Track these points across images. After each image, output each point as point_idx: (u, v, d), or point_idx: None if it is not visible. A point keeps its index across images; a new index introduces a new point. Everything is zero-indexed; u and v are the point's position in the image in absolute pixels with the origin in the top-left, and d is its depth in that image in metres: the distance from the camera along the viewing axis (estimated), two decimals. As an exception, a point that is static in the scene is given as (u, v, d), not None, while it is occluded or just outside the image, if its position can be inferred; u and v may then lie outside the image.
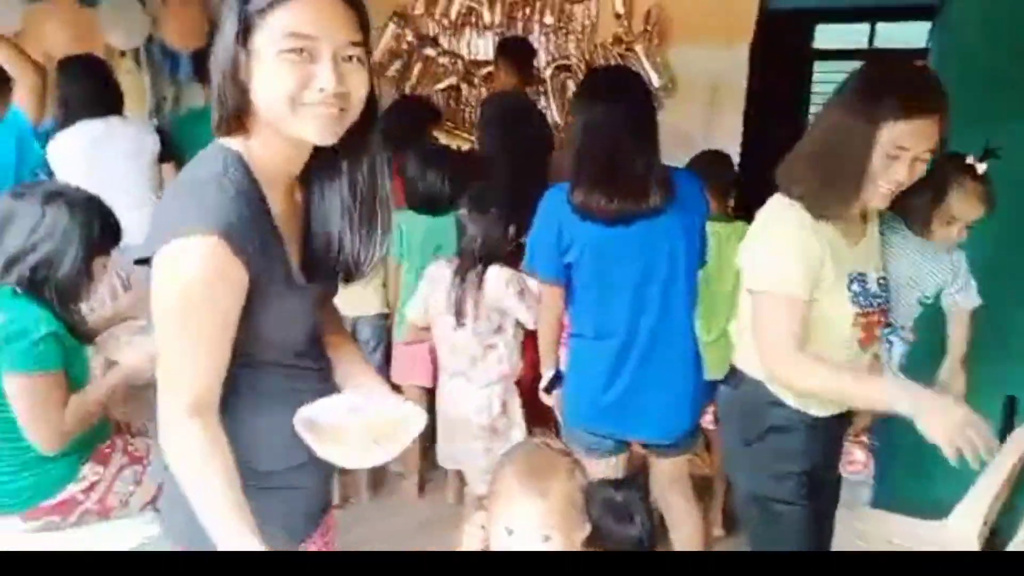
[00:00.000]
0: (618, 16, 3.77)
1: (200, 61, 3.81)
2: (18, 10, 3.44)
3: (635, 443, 2.13)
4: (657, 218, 1.88)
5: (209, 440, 1.05)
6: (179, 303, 1.03)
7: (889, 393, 1.48)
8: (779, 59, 4.08)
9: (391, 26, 4.37)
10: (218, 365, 1.07)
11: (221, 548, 1.02)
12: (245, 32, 1.04)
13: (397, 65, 4.43)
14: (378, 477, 3.01)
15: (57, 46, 3.60)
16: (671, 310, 1.96)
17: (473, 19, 4.26)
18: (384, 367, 2.85)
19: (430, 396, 2.70)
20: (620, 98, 1.91)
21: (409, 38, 4.38)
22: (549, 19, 3.99)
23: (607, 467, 2.03)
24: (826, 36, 7.58)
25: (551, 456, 1.36)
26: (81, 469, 1.85)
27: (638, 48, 3.71)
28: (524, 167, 3.25)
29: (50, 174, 2.96)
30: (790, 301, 1.55)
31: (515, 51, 3.65)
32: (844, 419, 1.77)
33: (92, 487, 1.86)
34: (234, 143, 1.11)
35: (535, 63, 3.81)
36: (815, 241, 1.55)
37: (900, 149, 1.48)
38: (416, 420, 1.21)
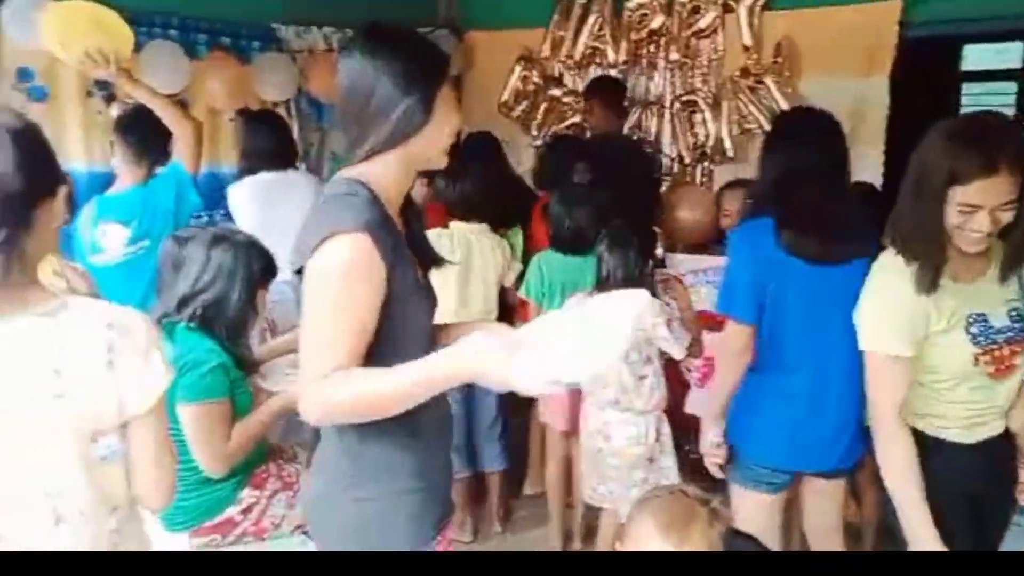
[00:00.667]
0: (746, 48, 3.72)
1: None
2: (186, 72, 3.82)
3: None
4: (861, 258, 1.86)
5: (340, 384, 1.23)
6: (332, 288, 1.22)
7: None
8: (923, 84, 3.90)
9: (517, 68, 4.52)
10: (357, 348, 1.24)
11: None
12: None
13: (524, 105, 4.56)
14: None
15: (218, 100, 3.98)
16: (854, 344, 1.88)
17: (597, 59, 4.33)
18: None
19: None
20: (826, 138, 1.99)
21: (535, 79, 4.51)
22: (675, 55, 3.99)
23: (774, 501, 2.03)
24: (975, 57, 7.14)
25: (690, 505, 1.35)
26: (240, 492, 2.00)
27: (768, 80, 3.65)
28: (637, 202, 3.27)
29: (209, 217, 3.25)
30: (892, 360, 1.65)
31: (606, 90, 3.76)
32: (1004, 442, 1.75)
33: (249, 509, 2.00)
34: (352, 172, 1.34)
35: (625, 99, 3.92)
36: (916, 296, 1.60)
37: (972, 207, 1.52)
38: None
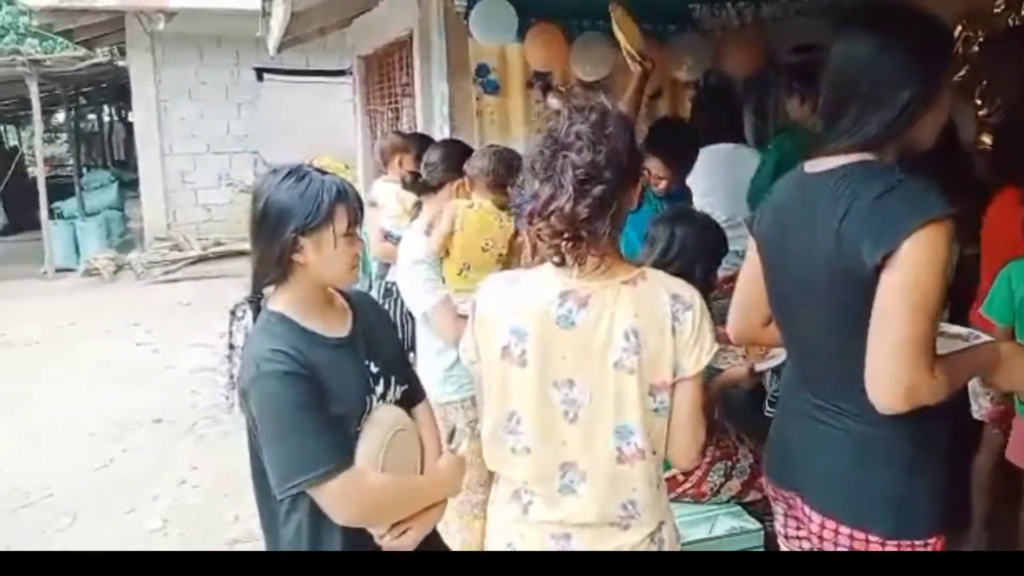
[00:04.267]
0: None
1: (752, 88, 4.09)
2: (610, 59, 4.09)
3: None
4: None
5: (945, 366, 1.27)
6: (935, 280, 1.22)
7: None
8: None
9: (958, 29, 3.97)
10: None
11: None
12: None
13: (963, 71, 4.00)
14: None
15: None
16: None
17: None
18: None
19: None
20: None
21: (980, 38, 3.91)
22: None
23: None
24: None
25: None
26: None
27: None
28: None
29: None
30: None
31: None
32: None
33: (691, 472, 2.11)
34: (864, 156, 1.32)
35: None
36: None
37: None
38: None
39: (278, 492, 1.40)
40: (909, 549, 1.34)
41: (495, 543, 1.51)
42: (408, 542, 1.50)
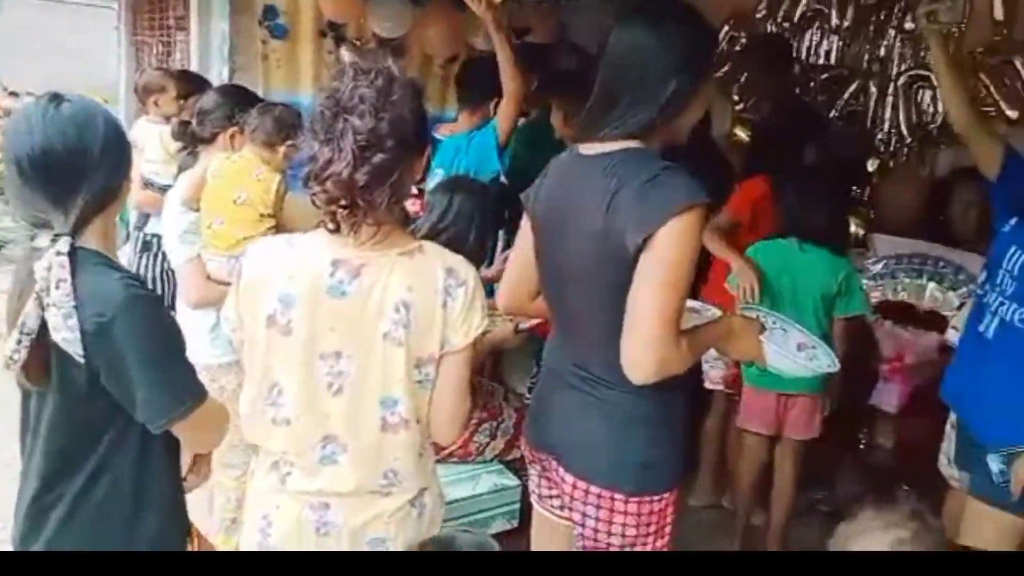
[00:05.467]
0: (997, 23, 3.39)
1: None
2: (408, 19, 4.01)
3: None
4: None
5: (688, 340, 1.39)
6: (689, 257, 1.34)
7: None
8: None
9: (725, 27, 4.36)
10: None
11: None
12: None
13: (727, 67, 4.41)
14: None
15: (434, 47, 4.15)
16: None
17: (818, 22, 4.09)
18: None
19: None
20: None
21: (743, 40, 4.33)
22: (909, 24, 3.70)
23: None
24: None
25: None
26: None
27: (1017, 61, 3.31)
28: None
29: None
30: None
31: (772, 49, 3.62)
32: None
33: (458, 435, 2.17)
34: (632, 144, 1.40)
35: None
36: None
37: None
38: None
39: (158, 424, 1.29)
40: (648, 503, 1.48)
41: (252, 514, 1.47)
42: (204, 478, 1.56)
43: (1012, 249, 1.94)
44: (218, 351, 2.19)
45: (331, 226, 1.33)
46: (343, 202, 1.28)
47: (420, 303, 1.34)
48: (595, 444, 1.49)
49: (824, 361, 1.70)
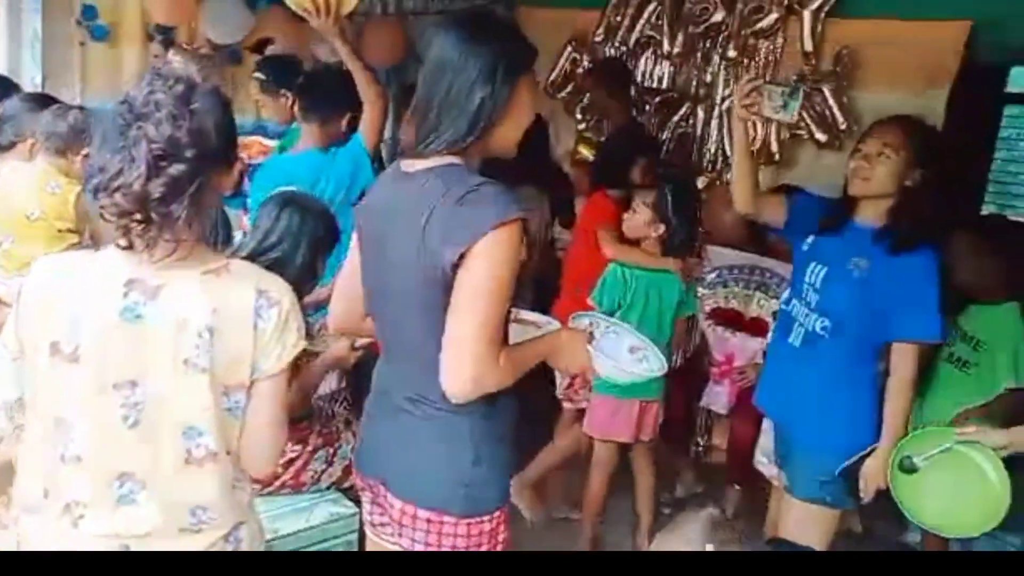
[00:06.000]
0: (806, 54, 3.69)
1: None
2: (248, 24, 3.84)
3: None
4: None
5: (510, 356, 1.39)
6: (506, 272, 1.33)
7: None
8: (973, 104, 3.85)
9: (568, 49, 4.51)
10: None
11: None
12: None
13: (570, 88, 4.55)
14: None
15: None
16: None
17: (652, 48, 4.31)
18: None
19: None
20: None
21: (585, 63, 4.49)
22: (732, 52, 3.96)
23: None
24: (1019, 79, 7.06)
25: None
26: (284, 445, 2.06)
27: (825, 88, 3.63)
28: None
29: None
30: None
31: (615, 73, 3.87)
32: None
33: (290, 462, 2.07)
34: (447, 160, 1.39)
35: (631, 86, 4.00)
36: None
37: None
38: None
39: None
40: (478, 524, 1.46)
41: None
42: None
43: (812, 265, 2.10)
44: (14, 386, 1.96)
45: (123, 242, 1.22)
46: (137, 216, 1.18)
47: (227, 326, 1.25)
48: (421, 467, 1.45)
49: (655, 364, 1.74)
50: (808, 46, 3.70)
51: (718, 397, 3.26)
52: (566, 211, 3.69)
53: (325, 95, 2.76)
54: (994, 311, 2.50)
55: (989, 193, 7.14)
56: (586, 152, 4.49)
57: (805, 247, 2.16)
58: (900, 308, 1.95)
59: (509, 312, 1.43)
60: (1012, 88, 7.01)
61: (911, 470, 1.93)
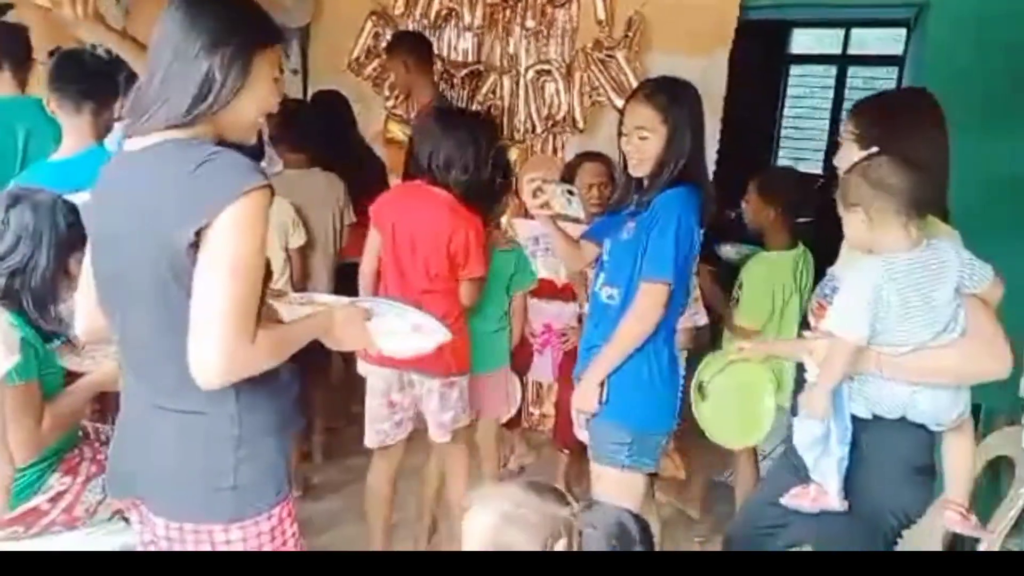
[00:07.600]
0: (600, 22, 3.75)
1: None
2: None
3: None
4: None
5: (269, 336, 1.27)
6: (253, 244, 1.23)
7: None
8: (756, 65, 4.11)
9: (368, 24, 4.33)
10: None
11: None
12: None
13: (375, 64, 4.39)
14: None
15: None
16: None
17: (453, 20, 4.23)
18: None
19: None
20: None
21: (388, 37, 4.34)
22: (531, 22, 3.96)
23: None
24: (802, 41, 7.69)
25: None
26: (48, 479, 1.81)
27: (619, 55, 3.70)
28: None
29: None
30: None
31: (416, 45, 3.80)
32: None
33: (59, 497, 1.82)
34: (181, 134, 1.26)
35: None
36: None
37: None
38: None
39: None
40: (254, 524, 1.34)
41: None
42: None
43: (605, 243, 2.23)
44: None
45: None
46: None
47: None
48: (177, 477, 1.32)
49: (439, 335, 1.70)
50: (601, 14, 3.77)
51: (543, 367, 3.28)
52: (377, 191, 3.55)
53: (92, 81, 2.42)
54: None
55: (782, 148, 7.77)
56: (396, 130, 4.37)
57: (599, 227, 2.29)
58: (645, 251, 2.03)
59: (267, 289, 1.31)
60: (795, 50, 7.66)
61: (705, 394, 2.11)
